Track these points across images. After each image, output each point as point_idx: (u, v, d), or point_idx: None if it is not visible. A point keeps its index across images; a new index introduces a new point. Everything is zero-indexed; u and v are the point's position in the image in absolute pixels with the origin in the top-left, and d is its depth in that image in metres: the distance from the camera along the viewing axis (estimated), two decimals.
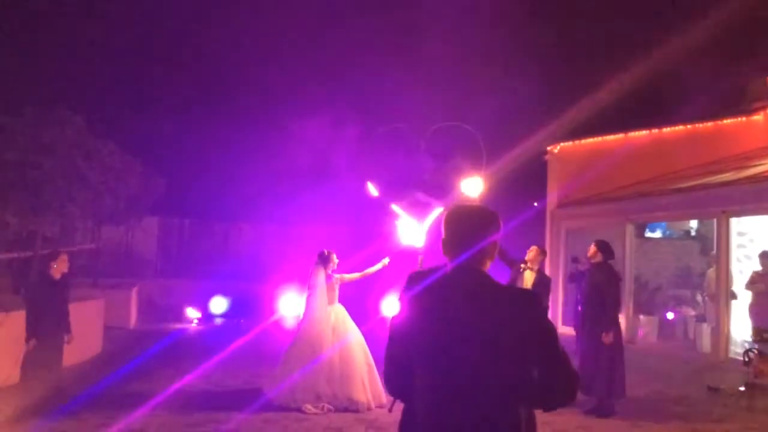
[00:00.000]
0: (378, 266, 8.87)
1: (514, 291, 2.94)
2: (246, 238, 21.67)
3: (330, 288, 8.60)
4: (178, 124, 20.16)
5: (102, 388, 8.69)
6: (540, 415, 2.57)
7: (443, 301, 2.53)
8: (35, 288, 8.22)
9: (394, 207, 8.77)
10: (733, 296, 11.28)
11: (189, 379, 8.86)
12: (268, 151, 20.05)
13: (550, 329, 2.51)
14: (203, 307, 17.52)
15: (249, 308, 16.78)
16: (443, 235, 2.68)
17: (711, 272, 12.20)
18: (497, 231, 2.64)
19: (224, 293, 18.13)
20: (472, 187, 8.52)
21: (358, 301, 10.07)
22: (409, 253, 9.11)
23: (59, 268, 8.04)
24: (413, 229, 8.70)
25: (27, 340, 7.75)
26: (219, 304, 18.03)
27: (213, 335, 14.69)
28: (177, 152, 20.16)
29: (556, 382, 2.45)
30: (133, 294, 16.00)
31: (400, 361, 2.68)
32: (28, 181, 11.40)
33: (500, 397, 2.41)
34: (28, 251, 12.19)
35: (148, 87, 21.41)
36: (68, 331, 8.09)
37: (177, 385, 8.43)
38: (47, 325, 7.83)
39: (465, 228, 2.63)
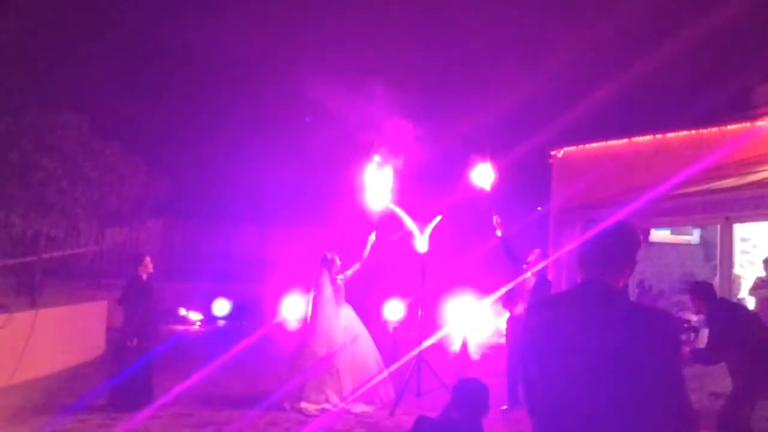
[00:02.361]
0: (368, 246, 8.87)
1: (648, 311, 2.60)
2: (249, 240, 21.67)
3: (336, 290, 8.62)
4: (183, 126, 20.22)
5: (104, 388, 8.71)
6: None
7: (576, 315, 2.48)
8: (127, 290, 8.48)
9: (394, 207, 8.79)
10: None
11: (191, 381, 8.84)
12: (272, 152, 20.11)
13: (677, 369, 2.35)
14: (206, 310, 17.50)
15: (252, 311, 16.76)
16: (583, 249, 2.63)
17: (718, 279, 12.18)
18: (636, 250, 2.61)
19: (227, 295, 18.11)
20: (483, 177, 8.47)
21: (360, 305, 10.07)
22: (413, 255, 9.11)
23: (145, 269, 8.43)
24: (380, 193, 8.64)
25: (126, 339, 8.08)
26: (221, 307, 18.01)
27: (215, 337, 14.68)
28: (181, 154, 20.20)
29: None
30: None
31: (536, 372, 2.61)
32: (32, 182, 11.44)
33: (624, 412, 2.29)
34: (32, 252, 12.23)
35: (152, 88, 21.44)
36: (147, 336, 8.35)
37: (180, 387, 8.41)
38: (137, 324, 8.18)
39: (604, 244, 2.60)
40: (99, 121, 13.40)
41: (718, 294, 11.30)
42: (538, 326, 2.62)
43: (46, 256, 12.78)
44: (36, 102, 12.49)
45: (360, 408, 8.06)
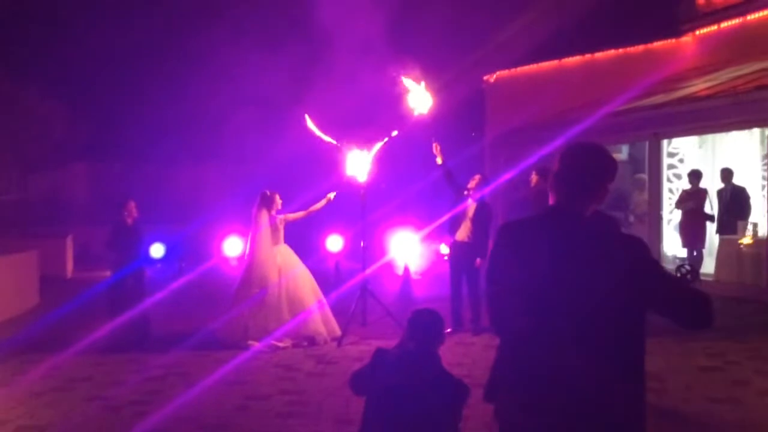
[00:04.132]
0: (323, 202, 8.80)
1: (622, 235, 2.65)
2: (183, 181, 21.07)
3: (274, 229, 8.50)
4: (107, 64, 19.22)
5: (38, 334, 8.51)
6: None
7: (543, 241, 2.41)
8: (112, 235, 8.60)
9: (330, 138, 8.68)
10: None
11: (132, 323, 8.61)
12: (202, 89, 19.35)
13: (656, 261, 2.51)
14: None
15: (190, 252, 16.47)
16: (557, 171, 2.52)
17: (637, 194, 12.67)
18: (612, 179, 2.54)
19: (163, 238, 17.69)
20: (420, 102, 8.37)
21: (303, 238, 10.00)
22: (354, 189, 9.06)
23: (130, 213, 8.54)
24: (357, 161, 8.66)
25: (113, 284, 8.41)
26: (157, 250, 17.60)
27: (152, 280, 14.40)
28: (106, 94, 19.25)
29: (678, 300, 2.39)
30: (68, 243, 15.52)
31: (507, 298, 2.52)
32: None
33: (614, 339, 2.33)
34: None
35: (72, 24, 20.11)
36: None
37: (119, 327, 8.19)
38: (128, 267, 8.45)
39: (584, 170, 2.49)
40: (14, 65, 12.65)
41: (648, 207, 11.75)
42: (501, 249, 2.57)
43: None
44: None
45: (303, 342, 8.10)
